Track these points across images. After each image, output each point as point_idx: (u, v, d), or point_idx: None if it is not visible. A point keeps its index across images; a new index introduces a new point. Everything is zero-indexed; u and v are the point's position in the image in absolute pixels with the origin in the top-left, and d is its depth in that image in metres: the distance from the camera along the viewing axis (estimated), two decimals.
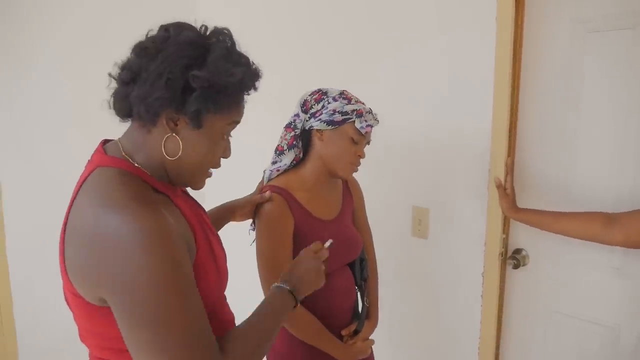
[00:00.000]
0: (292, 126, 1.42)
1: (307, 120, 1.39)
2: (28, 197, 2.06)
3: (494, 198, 1.58)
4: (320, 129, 1.38)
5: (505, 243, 1.65)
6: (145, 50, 0.83)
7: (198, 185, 0.94)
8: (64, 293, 0.86)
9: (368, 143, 1.44)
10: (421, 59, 1.75)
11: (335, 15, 2.02)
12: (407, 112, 1.81)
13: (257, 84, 0.91)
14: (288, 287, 1.01)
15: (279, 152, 1.44)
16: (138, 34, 0.87)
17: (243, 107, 0.93)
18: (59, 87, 2.11)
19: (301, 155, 1.44)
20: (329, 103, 1.36)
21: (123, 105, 0.86)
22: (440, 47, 1.69)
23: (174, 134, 0.85)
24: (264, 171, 1.48)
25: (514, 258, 1.63)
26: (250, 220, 1.45)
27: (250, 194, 1.45)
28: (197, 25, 0.87)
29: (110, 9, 2.23)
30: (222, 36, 0.86)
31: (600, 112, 1.44)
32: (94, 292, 0.76)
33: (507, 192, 1.51)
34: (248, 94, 0.92)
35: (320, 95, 1.39)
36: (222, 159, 0.95)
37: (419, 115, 1.78)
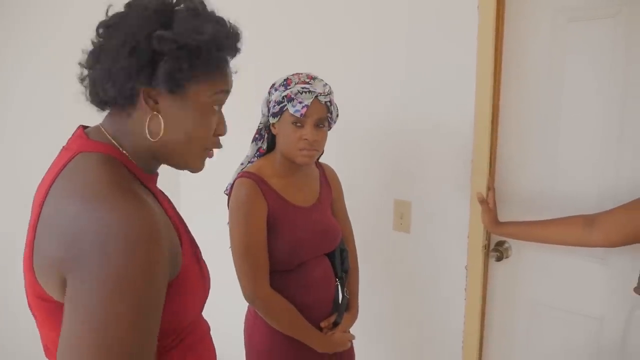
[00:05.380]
0: (260, 121, 1.45)
1: (268, 114, 1.40)
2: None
3: (476, 189, 1.56)
4: (272, 122, 1.39)
5: (488, 235, 1.64)
6: (107, 28, 0.77)
7: (194, 165, 0.85)
8: (28, 298, 0.77)
9: (332, 120, 1.39)
10: (402, 49, 1.71)
11: (312, 6, 1.97)
12: (387, 104, 1.78)
13: (237, 44, 0.83)
14: None
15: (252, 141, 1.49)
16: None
17: (229, 74, 0.85)
18: (32, 82, 2.02)
19: (265, 146, 1.47)
20: (272, 95, 1.37)
21: (95, 93, 0.79)
22: (421, 37, 1.66)
23: (155, 113, 0.77)
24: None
25: (496, 250, 1.62)
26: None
27: None
28: None
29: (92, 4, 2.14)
30: (190, 1, 0.79)
31: (582, 102, 1.43)
32: (58, 275, 0.66)
33: (489, 206, 1.48)
34: (230, 57, 0.84)
35: (270, 88, 1.40)
36: (219, 137, 0.87)
37: (400, 107, 1.75)
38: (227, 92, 0.85)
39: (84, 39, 0.80)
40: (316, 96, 1.32)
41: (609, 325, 1.45)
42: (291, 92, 1.32)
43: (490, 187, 1.53)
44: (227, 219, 1.39)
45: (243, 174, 1.38)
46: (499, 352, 1.70)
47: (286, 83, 1.35)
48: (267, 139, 1.46)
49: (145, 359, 0.67)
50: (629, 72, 1.33)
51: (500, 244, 1.64)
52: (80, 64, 0.80)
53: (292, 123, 1.33)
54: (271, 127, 1.40)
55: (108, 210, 0.65)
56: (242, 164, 1.49)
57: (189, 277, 0.80)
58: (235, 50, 0.84)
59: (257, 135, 1.48)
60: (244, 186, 1.35)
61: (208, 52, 0.77)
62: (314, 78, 1.37)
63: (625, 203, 1.22)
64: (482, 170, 1.56)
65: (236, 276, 1.37)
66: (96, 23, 0.78)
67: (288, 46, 2.09)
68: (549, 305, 1.57)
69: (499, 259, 1.61)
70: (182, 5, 0.78)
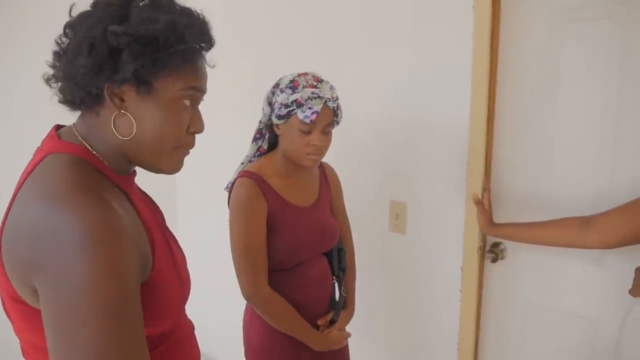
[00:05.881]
0: (260, 120, 1.43)
1: (271, 114, 1.37)
2: None
3: (472, 190, 1.56)
4: (276, 123, 1.36)
5: (483, 237, 1.63)
6: (71, 27, 0.75)
7: (167, 167, 0.82)
8: (2, 300, 0.75)
9: (337, 123, 1.39)
10: (397, 49, 1.71)
11: (309, 5, 1.96)
12: (383, 105, 1.77)
13: (202, 35, 0.79)
14: None
15: (252, 140, 1.47)
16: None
17: (200, 69, 0.81)
18: (5, 81, 2.00)
19: (266, 146, 1.46)
20: (278, 96, 1.34)
21: (64, 94, 0.77)
22: (416, 37, 1.65)
23: (122, 111, 0.75)
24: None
25: (492, 252, 1.61)
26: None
27: None
28: None
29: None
30: None
31: (578, 103, 1.42)
32: (27, 281, 0.66)
33: (485, 208, 1.48)
34: (199, 49, 0.81)
35: (274, 87, 1.37)
36: (195, 134, 0.84)
37: (396, 107, 1.74)
38: (197, 89, 0.81)
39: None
40: (325, 102, 1.31)
41: (604, 327, 1.44)
42: (301, 97, 1.29)
43: (486, 188, 1.53)
44: (224, 218, 1.39)
45: (243, 174, 1.37)
46: (494, 353, 1.70)
47: (293, 85, 1.31)
48: (267, 138, 1.45)
49: (129, 355, 0.65)
50: (624, 72, 1.33)
51: (495, 245, 1.64)
52: (49, 65, 0.78)
53: (299, 129, 1.32)
54: (274, 128, 1.38)
55: (66, 211, 0.64)
56: (242, 163, 1.49)
57: (162, 281, 0.79)
58: (201, 41, 0.80)
59: (257, 135, 1.46)
60: (244, 186, 1.34)
61: (166, 42, 0.74)
62: (320, 81, 1.34)
63: (621, 205, 1.21)
64: (477, 171, 1.56)
65: (235, 275, 1.37)
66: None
67: (283, 45, 2.08)
68: (544, 306, 1.57)
69: (494, 260, 1.60)
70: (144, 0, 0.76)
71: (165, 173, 0.84)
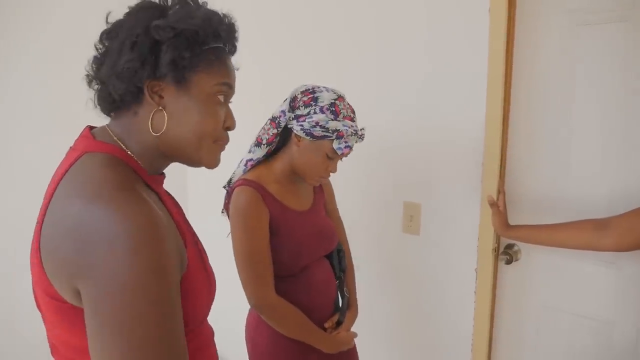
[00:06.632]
0: (276, 122, 1.37)
1: (290, 119, 1.34)
2: (5, 197, 1.97)
3: (487, 191, 1.56)
4: (300, 136, 1.34)
5: (497, 238, 1.63)
6: (108, 34, 0.79)
7: (208, 160, 0.85)
8: (36, 295, 0.76)
9: (343, 155, 1.40)
10: (413, 51, 1.72)
11: (324, 8, 1.98)
12: (398, 106, 1.78)
13: (233, 33, 0.84)
14: None
15: (257, 143, 1.41)
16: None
17: (230, 67, 0.85)
18: (42, 87, 2.03)
19: (272, 149, 1.42)
20: (314, 113, 1.30)
21: (103, 96, 0.80)
22: (432, 40, 1.66)
23: (160, 108, 0.78)
24: (241, 160, 1.44)
25: (506, 253, 1.62)
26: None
27: None
28: None
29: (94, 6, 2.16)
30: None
31: (592, 105, 1.43)
32: (70, 282, 0.66)
33: (500, 209, 1.47)
34: (228, 48, 0.85)
35: (310, 99, 1.32)
36: (228, 131, 0.87)
37: (411, 108, 1.75)
38: (229, 86, 0.85)
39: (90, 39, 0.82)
40: (360, 139, 1.35)
41: (619, 330, 1.44)
42: (345, 131, 1.30)
43: (501, 190, 1.53)
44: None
45: (242, 182, 1.35)
46: (508, 355, 1.69)
47: (335, 110, 1.30)
48: (276, 142, 1.42)
49: (178, 353, 0.67)
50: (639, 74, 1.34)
51: (509, 246, 1.64)
52: (88, 73, 0.81)
53: (326, 153, 1.33)
54: (294, 137, 1.36)
55: (112, 210, 0.65)
56: (248, 160, 1.43)
57: (195, 279, 0.80)
58: (232, 39, 0.85)
59: (272, 139, 1.39)
60: (245, 194, 1.33)
61: (204, 37, 0.78)
62: (354, 112, 1.37)
63: (636, 207, 1.21)
64: (492, 172, 1.56)
65: (240, 282, 1.35)
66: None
67: (298, 50, 2.10)
68: (559, 308, 1.56)
69: (508, 261, 1.61)
70: (175, 1, 0.81)
71: (205, 166, 0.86)
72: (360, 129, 1.35)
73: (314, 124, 1.29)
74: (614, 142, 1.40)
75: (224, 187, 1.46)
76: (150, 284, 0.64)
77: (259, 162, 1.42)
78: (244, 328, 1.51)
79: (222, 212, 1.46)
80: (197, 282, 0.81)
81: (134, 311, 0.63)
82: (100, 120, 0.85)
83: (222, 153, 0.89)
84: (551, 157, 1.52)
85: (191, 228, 0.91)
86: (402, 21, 1.74)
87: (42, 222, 0.71)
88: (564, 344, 1.56)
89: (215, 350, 0.95)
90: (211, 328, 0.95)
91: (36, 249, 0.71)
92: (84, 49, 0.89)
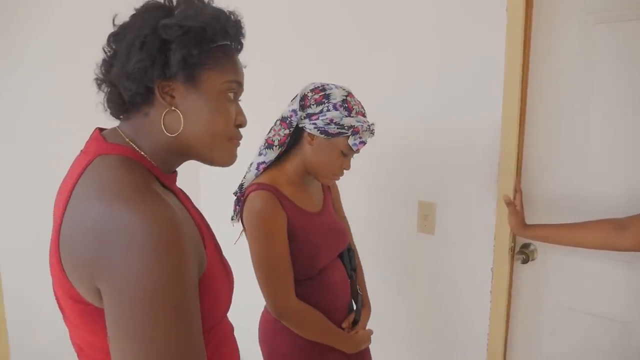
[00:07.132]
0: (287, 122, 1.35)
1: (302, 118, 1.32)
2: (18, 197, 1.99)
3: (503, 191, 1.56)
4: (314, 135, 1.32)
5: (513, 237, 1.63)
6: (115, 36, 0.79)
7: (223, 158, 0.85)
8: (58, 298, 0.76)
9: (357, 151, 1.39)
10: (429, 51, 1.72)
11: (337, 6, 1.98)
12: (414, 105, 1.78)
13: (241, 30, 0.84)
14: None
15: (268, 145, 1.38)
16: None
17: (239, 64, 0.85)
18: (53, 87, 2.04)
19: (283, 150, 1.39)
20: (328, 110, 1.29)
21: (113, 99, 0.80)
22: (449, 38, 1.66)
23: (173, 108, 0.78)
24: (251, 164, 1.41)
25: (522, 252, 1.61)
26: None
27: None
28: None
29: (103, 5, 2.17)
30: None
31: (610, 103, 1.42)
32: (90, 282, 0.67)
33: (517, 209, 1.47)
34: (235, 45, 0.86)
35: (322, 97, 1.30)
36: (239, 129, 0.87)
37: (426, 108, 1.75)
38: (239, 83, 0.85)
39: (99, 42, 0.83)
40: (372, 134, 1.35)
41: (636, 330, 1.44)
42: (360, 126, 1.30)
43: (518, 189, 1.53)
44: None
45: (257, 187, 1.32)
46: (524, 355, 1.69)
47: (347, 107, 1.30)
48: (287, 142, 1.39)
49: (196, 356, 0.67)
50: None
51: (525, 246, 1.64)
52: (97, 76, 0.82)
53: (341, 150, 1.33)
54: (306, 136, 1.34)
55: (131, 211, 0.65)
56: (260, 162, 1.40)
57: (214, 275, 0.80)
58: (239, 37, 0.85)
59: (284, 140, 1.37)
60: (261, 198, 1.29)
61: (212, 34, 0.79)
62: (363, 106, 1.37)
63: None
64: (509, 171, 1.56)
65: (259, 288, 1.34)
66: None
67: (309, 49, 2.11)
68: (575, 308, 1.56)
69: (524, 261, 1.60)
70: (181, 1, 0.81)
71: (219, 165, 0.86)
72: (371, 124, 1.35)
73: (328, 121, 1.28)
74: (631, 141, 1.40)
75: (235, 193, 1.42)
76: (170, 288, 0.64)
77: (270, 165, 1.40)
78: (256, 327, 1.52)
79: (232, 220, 1.43)
80: (216, 279, 0.81)
81: (151, 312, 0.63)
82: (108, 122, 0.85)
83: (239, 153, 0.89)
84: (568, 157, 1.52)
85: (207, 224, 0.92)
86: (418, 21, 1.74)
87: (61, 222, 0.71)
88: (581, 344, 1.56)
89: (236, 346, 0.96)
90: (231, 324, 0.95)
91: (55, 249, 0.71)
92: (92, 49, 0.90)
